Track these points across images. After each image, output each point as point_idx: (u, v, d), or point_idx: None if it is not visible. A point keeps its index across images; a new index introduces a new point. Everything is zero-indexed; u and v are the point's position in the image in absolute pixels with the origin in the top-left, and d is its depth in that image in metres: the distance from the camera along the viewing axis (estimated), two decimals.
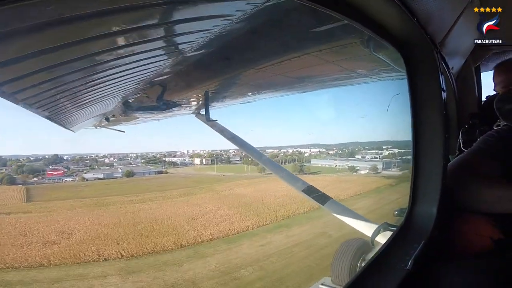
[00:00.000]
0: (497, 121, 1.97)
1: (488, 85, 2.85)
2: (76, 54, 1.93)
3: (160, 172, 44.44)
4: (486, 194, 1.54)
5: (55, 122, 4.22)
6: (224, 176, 42.02)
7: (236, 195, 30.65)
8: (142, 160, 46.97)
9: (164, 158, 48.08)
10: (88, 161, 42.43)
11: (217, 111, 6.03)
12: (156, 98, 4.22)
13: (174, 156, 50.03)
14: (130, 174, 40.97)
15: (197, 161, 49.46)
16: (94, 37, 1.72)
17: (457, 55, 2.41)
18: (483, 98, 2.81)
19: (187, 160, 50.01)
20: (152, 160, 47.44)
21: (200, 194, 31.51)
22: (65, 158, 40.60)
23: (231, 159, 49.33)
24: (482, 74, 2.93)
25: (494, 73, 1.79)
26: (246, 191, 31.90)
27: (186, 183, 36.53)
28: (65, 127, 5.08)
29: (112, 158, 45.56)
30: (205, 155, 50.44)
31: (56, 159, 39.68)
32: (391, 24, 1.39)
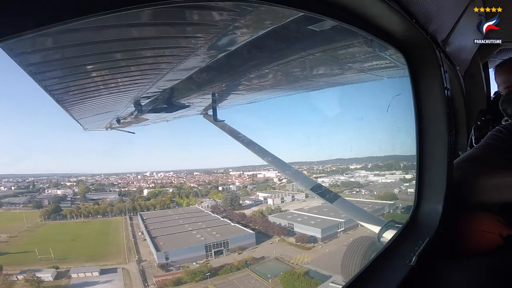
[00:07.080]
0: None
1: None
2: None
3: None
4: (489, 183, 1.51)
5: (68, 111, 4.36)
6: None
7: None
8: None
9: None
10: None
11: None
12: (165, 100, 4.35)
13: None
14: None
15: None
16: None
17: (463, 52, 2.40)
18: (492, 94, 2.78)
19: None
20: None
21: None
22: None
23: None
24: (490, 70, 2.89)
25: (495, 73, 1.71)
26: None
27: None
28: (77, 120, 5.26)
29: None
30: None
31: None
32: (392, 27, 1.44)
